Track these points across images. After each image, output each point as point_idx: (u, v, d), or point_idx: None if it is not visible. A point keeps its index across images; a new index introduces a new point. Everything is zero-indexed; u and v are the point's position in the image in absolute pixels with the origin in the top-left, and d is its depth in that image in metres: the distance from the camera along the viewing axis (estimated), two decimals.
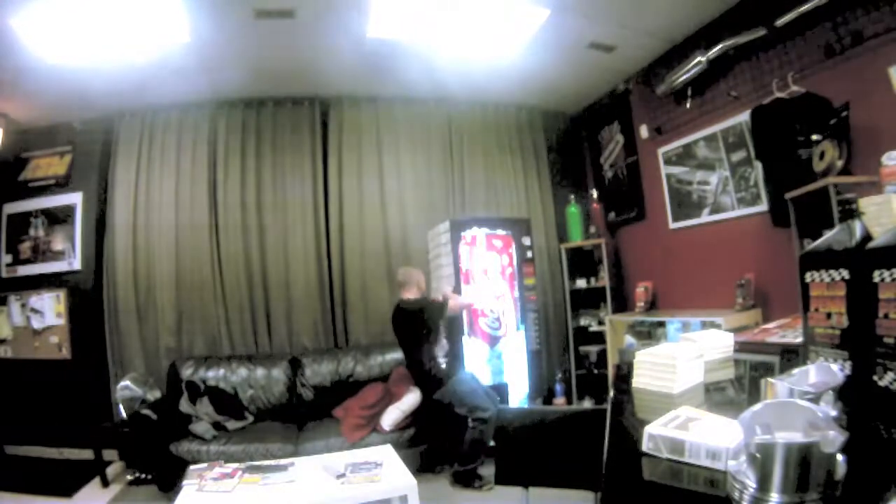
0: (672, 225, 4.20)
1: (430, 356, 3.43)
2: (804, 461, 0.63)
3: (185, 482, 2.41)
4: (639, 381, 1.33)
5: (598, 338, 4.67)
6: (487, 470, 3.33)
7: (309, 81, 4.40)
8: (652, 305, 4.34)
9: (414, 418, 3.58)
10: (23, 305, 4.34)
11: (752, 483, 0.65)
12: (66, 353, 4.28)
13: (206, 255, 4.37)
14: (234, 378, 3.96)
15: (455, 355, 3.68)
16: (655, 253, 4.44)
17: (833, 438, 0.61)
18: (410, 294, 3.57)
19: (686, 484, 0.80)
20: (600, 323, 4.68)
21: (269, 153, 4.56)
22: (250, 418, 3.80)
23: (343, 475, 2.38)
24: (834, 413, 0.74)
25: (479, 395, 3.39)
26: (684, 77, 3.72)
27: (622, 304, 4.75)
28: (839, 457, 0.63)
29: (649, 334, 4.05)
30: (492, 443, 3.25)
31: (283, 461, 2.65)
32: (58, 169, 4.43)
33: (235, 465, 2.56)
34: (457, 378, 3.41)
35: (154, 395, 3.76)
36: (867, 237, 1.01)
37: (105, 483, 3.60)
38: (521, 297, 4.15)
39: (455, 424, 3.37)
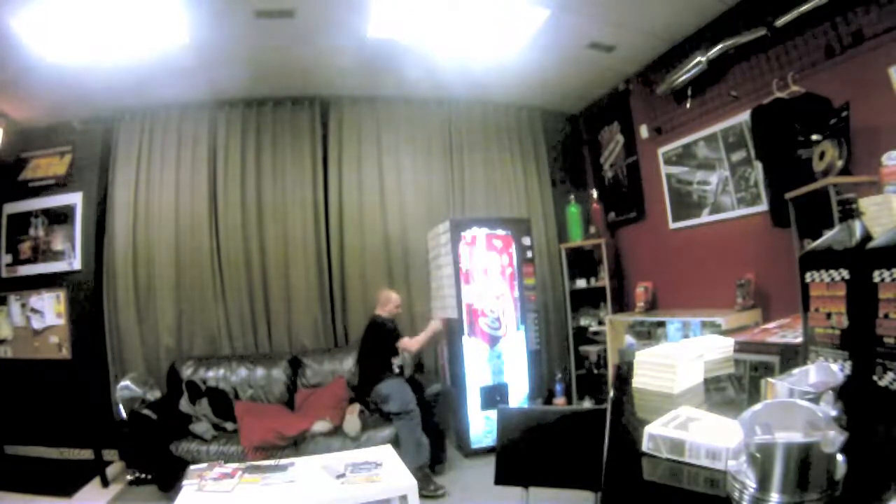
0: (672, 225, 4.20)
1: (387, 367, 3.70)
2: (804, 461, 0.63)
3: (185, 482, 2.40)
4: (639, 381, 1.33)
5: (599, 338, 4.68)
6: (445, 479, 3.45)
7: (309, 81, 4.40)
8: (652, 305, 4.34)
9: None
10: (23, 305, 4.34)
11: (752, 483, 0.65)
12: (66, 353, 4.28)
13: (206, 255, 4.37)
14: (234, 378, 3.96)
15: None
16: (655, 253, 4.44)
17: (833, 438, 0.61)
18: (383, 312, 3.85)
19: (686, 484, 0.80)
20: (600, 323, 4.68)
21: (269, 153, 4.57)
22: None
23: (343, 475, 2.38)
24: (834, 413, 0.74)
25: (405, 394, 3.54)
26: (684, 77, 3.72)
27: (622, 304, 4.75)
28: (839, 457, 0.63)
29: (649, 334, 4.05)
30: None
31: (283, 461, 2.65)
32: (58, 169, 4.43)
33: (235, 465, 2.56)
34: (384, 382, 3.61)
35: (154, 395, 3.76)
36: (867, 237, 1.00)
37: (105, 483, 3.60)
38: (521, 297, 4.15)
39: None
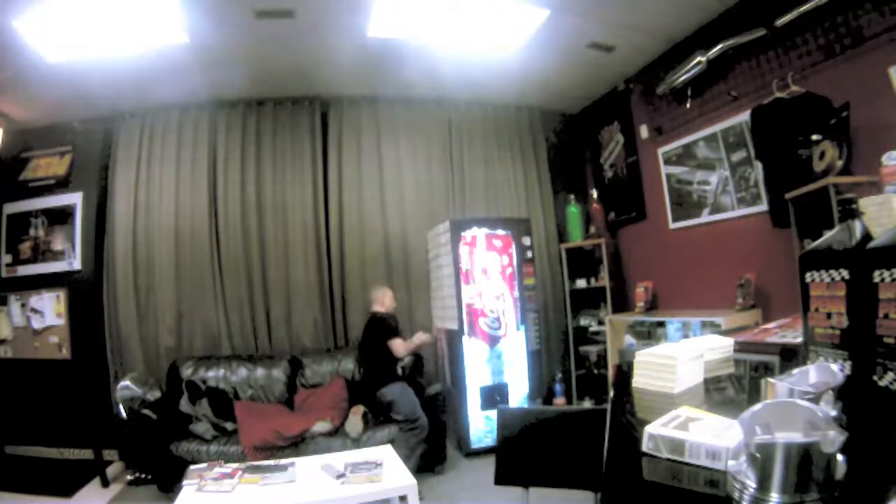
0: (672, 225, 4.20)
1: (391, 369, 3.65)
2: (804, 461, 0.63)
3: (185, 482, 2.40)
4: (639, 381, 1.33)
5: (599, 338, 4.67)
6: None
7: (309, 81, 4.40)
8: (652, 305, 4.34)
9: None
10: (23, 305, 4.34)
11: (752, 483, 0.65)
12: (66, 353, 4.29)
13: (206, 256, 4.37)
14: (234, 378, 3.96)
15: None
16: (655, 253, 4.44)
17: (833, 438, 0.61)
18: (381, 308, 3.85)
19: (686, 484, 0.80)
20: (600, 323, 4.68)
21: (269, 153, 4.57)
22: None
23: (343, 475, 2.38)
24: (834, 413, 0.74)
25: (411, 401, 3.52)
26: (684, 77, 3.72)
27: (622, 304, 4.75)
28: (839, 457, 0.63)
29: (649, 334, 4.05)
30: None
31: (283, 461, 2.64)
32: (58, 169, 4.43)
33: (235, 465, 2.56)
34: (388, 387, 3.58)
35: (154, 395, 3.76)
36: (867, 237, 1.00)
37: (105, 483, 3.60)
38: (521, 297, 4.15)
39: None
